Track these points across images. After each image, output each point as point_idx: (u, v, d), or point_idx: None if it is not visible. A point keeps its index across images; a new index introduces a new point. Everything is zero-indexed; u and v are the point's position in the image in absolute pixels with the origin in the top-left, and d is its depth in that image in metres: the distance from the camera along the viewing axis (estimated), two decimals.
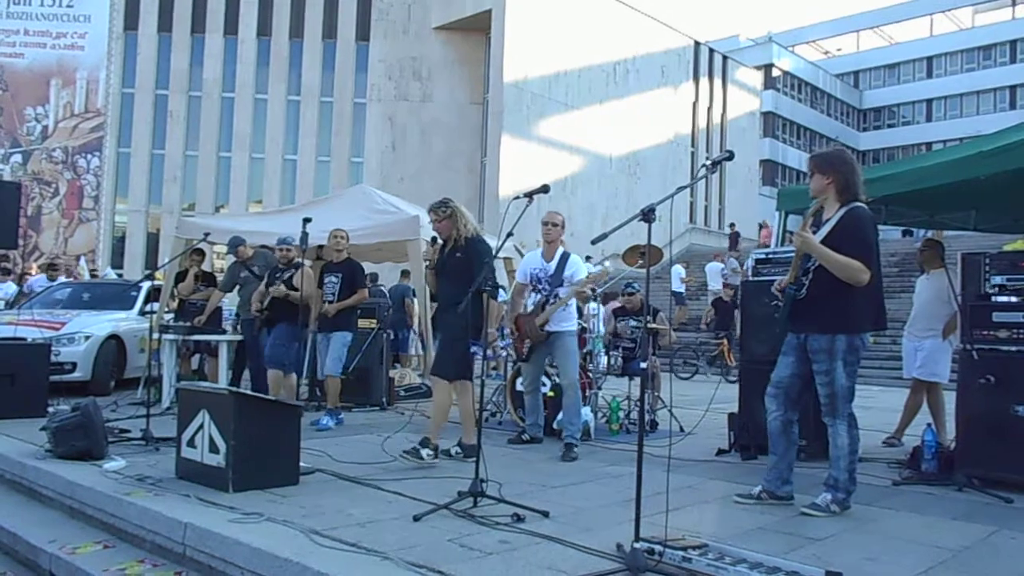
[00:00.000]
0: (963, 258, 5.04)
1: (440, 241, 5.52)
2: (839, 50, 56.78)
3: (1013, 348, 4.60)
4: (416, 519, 3.67)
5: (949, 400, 5.61)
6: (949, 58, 50.92)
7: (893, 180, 5.88)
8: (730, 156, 3.42)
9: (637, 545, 2.98)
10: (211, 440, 4.31)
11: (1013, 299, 4.71)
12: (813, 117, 50.60)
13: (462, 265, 5.30)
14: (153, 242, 27.87)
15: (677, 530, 3.29)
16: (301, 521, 3.59)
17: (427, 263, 5.66)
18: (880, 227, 4.52)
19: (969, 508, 4.26)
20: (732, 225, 26.18)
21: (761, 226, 22.09)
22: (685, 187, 3.37)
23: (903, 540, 3.60)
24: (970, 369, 4.72)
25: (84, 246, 24.48)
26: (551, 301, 5.93)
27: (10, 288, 11.69)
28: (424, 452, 5.08)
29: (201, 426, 4.39)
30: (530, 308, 6.14)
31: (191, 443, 4.47)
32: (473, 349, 5.40)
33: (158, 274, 10.27)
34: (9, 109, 24.57)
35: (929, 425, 5.30)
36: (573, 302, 6.06)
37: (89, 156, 25.19)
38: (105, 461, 4.86)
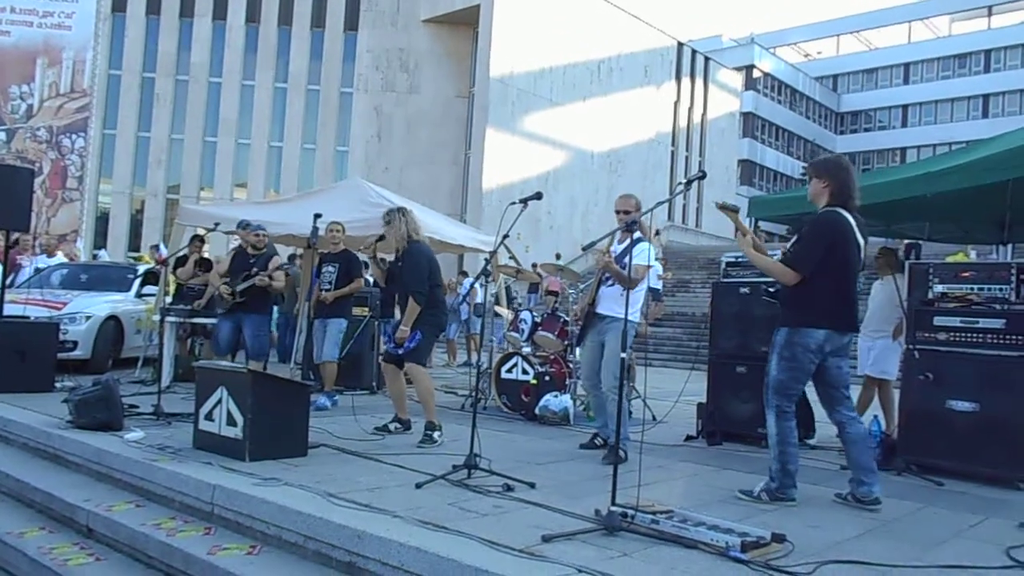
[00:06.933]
0: (910, 267, 5.59)
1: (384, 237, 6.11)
2: (819, 53, 57.63)
3: (949, 348, 5.15)
4: (418, 487, 4.14)
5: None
6: (926, 65, 51.83)
7: None
8: (703, 176, 3.91)
9: (613, 508, 3.48)
10: (229, 414, 4.75)
11: (952, 305, 5.27)
12: (792, 119, 51.47)
13: (399, 270, 5.96)
14: (136, 223, 28.03)
15: (648, 500, 3.79)
16: (315, 486, 4.04)
17: (364, 247, 6.10)
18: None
19: (904, 489, 4.81)
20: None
21: None
22: (663, 203, 3.86)
23: (843, 513, 4.13)
24: (912, 367, 5.28)
25: (67, 226, 24.53)
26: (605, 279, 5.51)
27: None
28: (392, 426, 6.03)
29: (219, 401, 4.82)
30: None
31: (209, 417, 4.90)
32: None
33: (145, 256, 10.58)
34: None
35: (876, 417, 5.86)
36: (641, 295, 5.57)
37: (74, 136, 25.18)
38: (125, 432, 5.28)
